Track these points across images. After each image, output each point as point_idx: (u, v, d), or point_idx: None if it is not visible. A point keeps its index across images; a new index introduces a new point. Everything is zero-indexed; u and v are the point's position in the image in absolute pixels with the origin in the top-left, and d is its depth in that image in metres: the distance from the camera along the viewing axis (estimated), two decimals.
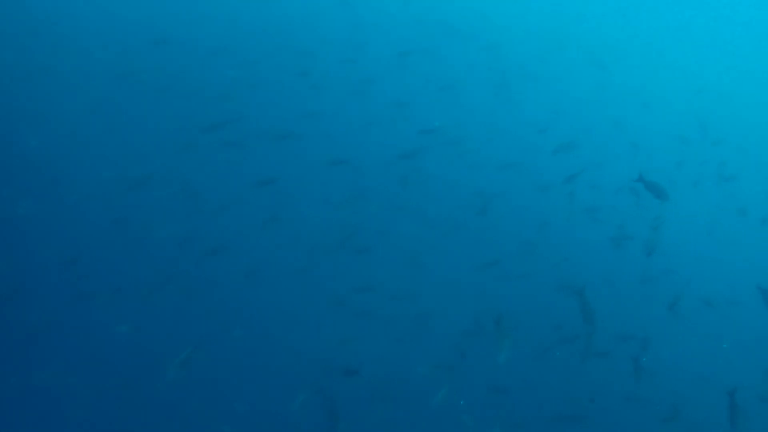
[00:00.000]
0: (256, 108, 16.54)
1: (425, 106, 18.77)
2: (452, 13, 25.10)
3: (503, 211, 15.25)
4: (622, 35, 30.31)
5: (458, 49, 22.89)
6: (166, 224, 12.96)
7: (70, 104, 15.64)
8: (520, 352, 8.50)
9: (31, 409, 9.72)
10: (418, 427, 10.12)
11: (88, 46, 17.28)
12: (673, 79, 27.52)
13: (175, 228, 12.99)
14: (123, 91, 15.97)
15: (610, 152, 19.16)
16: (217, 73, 17.51)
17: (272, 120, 16.17)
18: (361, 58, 19.21)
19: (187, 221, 13.32)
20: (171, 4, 19.68)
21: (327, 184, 15.07)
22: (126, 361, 10.42)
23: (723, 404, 7.41)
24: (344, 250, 12.64)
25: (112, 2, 18.85)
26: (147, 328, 10.76)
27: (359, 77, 18.46)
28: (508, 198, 15.59)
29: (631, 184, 13.92)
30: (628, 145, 19.46)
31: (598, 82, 23.52)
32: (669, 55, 30.58)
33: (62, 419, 9.64)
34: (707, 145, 20.11)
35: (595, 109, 22.40)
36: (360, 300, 11.96)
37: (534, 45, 25.50)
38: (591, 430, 10.08)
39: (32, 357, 10.42)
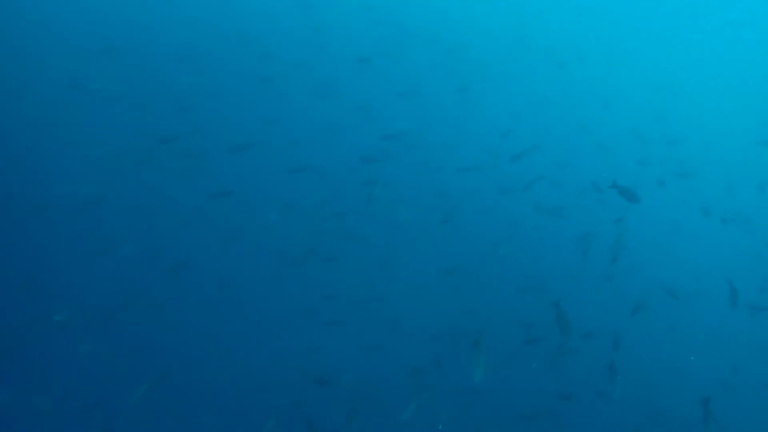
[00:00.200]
0: (215, 116, 16.65)
1: (387, 110, 19.17)
2: (413, 17, 25.63)
3: (469, 215, 15.76)
4: (582, 34, 31.42)
5: (420, 53, 23.40)
6: (126, 242, 12.96)
7: (15, 116, 15.45)
8: (491, 351, 8.97)
9: None
10: None
11: (35, 54, 17.09)
12: (633, 77, 28.73)
13: (135, 245, 13.00)
14: (73, 101, 15.87)
15: (573, 152, 19.95)
16: (173, 80, 17.50)
17: (232, 128, 16.32)
18: (321, 63, 19.53)
19: (148, 238, 13.35)
20: (123, 10, 19.54)
21: (290, 192, 15.28)
22: (90, 381, 10.47)
23: (692, 393, 8.00)
24: (312, 258, 12.91)
25: (61, 8, 18.63)
26: (111, 347, 10.83)
27: (320, 81, 18.77)
28: (473, 201, 16.11)
29: (596, 184, 14.62)
30: (590, 145, 20.31)
31: (558, 82, 24.42)
32: (628, 53, 31.84)
33: None
34: (668, 144, 21.09)
35: (557, 109, 23.25)
36: (329, 308, 12.26)
37: (495, 47, 26.25)
38: (564, 426, 10.62)
39: None
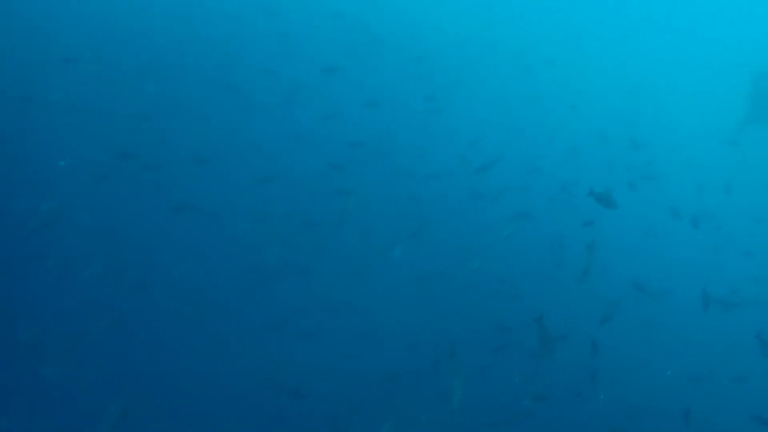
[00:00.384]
0: (178, 126, 16.68)
1: (354, 118, 19.43)
2: (379, 24, 26.05)
3: (441, 221, 16.12)
4: (549, 39, 32.34)
5: (386, 60, 23.78)
6: (90, 259, 12.89)
7: None
8: (467, 357, 9.26)
9: None
10: None
11: None
12: (600, 80, 29.70)
13: (99, 262, 12.93)
14: (30, 114, 15.75)
15: (542, 156, 20.55)
16: (134, 90, 17.47)
17: (197, 138, 16.38)
18: (286, 70, 19.73)
19: (113, 254, 13.30)
20: (81, 18, 19.40)
21: (260, 203, 15.39)
22: (56, 405, 10.42)
23: (667, 388, 8.40)
24: (284, 269, 13.07)
25: (14, 18, 18.44)
26: (77, 369, 10.79)
27: (285, 89, 18.96)
28: (445, 206, 16.49)
29: (566, 187, 15.17)
30: (560, 149, 20.96)
31: (526, 87, 25.13)
32: (594, 57, 32.88)
33: None
34: (635, 147, 21.87)
35: (524, 114, 23.91)
36: (303, 319, 12.42)
37: (462, 53, 26.85)
38: (540, 427, 10.97)
39: None
